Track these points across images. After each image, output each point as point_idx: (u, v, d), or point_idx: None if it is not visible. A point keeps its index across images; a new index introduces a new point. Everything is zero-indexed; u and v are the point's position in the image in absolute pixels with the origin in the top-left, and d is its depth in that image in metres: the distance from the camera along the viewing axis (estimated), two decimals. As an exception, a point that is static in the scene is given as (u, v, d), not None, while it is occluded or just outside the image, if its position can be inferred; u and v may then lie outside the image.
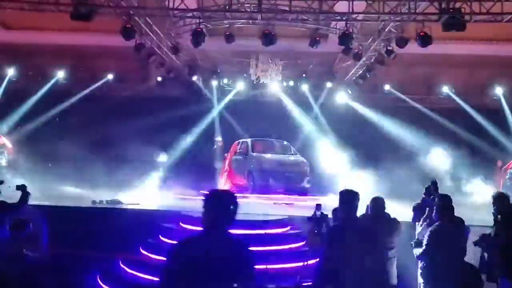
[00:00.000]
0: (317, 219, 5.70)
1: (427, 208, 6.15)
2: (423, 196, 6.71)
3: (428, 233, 5.42)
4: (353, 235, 4.59)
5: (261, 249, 7.57)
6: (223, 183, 15.55)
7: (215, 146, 17.87)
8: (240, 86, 18.25)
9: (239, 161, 15.46)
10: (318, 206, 5.86)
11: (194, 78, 17.86)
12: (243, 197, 12.82)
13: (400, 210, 7.24)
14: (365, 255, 4.54)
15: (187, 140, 17.19)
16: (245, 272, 3.30)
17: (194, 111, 17.66)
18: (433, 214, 5.66)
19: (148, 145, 15.89)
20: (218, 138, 17.88)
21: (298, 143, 17.05)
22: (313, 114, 18.47)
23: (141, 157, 15.40)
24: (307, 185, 14.37)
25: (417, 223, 6.50)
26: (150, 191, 13.80)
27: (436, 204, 5.62)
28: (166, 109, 16.88)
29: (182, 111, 17.00)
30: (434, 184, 6.63)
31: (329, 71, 17.95)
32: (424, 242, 5.39)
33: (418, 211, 6.57)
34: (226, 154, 16.75)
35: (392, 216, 6.38)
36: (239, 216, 3.50)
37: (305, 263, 6.41)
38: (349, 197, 4.83)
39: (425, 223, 6.15)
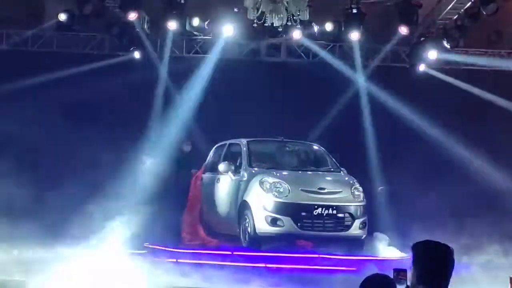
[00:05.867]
0: None
1: None
2: None
3: None
4: None
5: None
6: (188, 225, 12.82)
7: (181, 153, 14.45)
8: (228, 31, 14.55)
9: (220, 185, 12.54)
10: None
11: (132, 16, 13.99)
12: (229, 256, 10.72)
13: None
14: None
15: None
16: None
17: (131, 82, 13.96)
18: None
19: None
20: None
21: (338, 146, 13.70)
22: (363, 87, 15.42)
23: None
24: (361, 232, 11.64)
25: None
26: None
27: None
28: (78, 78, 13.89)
29: (109, 83, 13.64)
30: None
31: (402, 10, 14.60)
32: None
33: None
34: (193, 171, 13.54)
35: None
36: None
37: None
38: (436, 256, 3.85)
39: None
